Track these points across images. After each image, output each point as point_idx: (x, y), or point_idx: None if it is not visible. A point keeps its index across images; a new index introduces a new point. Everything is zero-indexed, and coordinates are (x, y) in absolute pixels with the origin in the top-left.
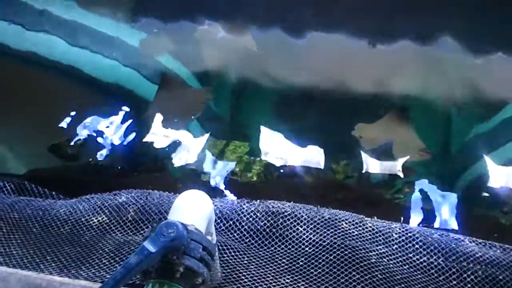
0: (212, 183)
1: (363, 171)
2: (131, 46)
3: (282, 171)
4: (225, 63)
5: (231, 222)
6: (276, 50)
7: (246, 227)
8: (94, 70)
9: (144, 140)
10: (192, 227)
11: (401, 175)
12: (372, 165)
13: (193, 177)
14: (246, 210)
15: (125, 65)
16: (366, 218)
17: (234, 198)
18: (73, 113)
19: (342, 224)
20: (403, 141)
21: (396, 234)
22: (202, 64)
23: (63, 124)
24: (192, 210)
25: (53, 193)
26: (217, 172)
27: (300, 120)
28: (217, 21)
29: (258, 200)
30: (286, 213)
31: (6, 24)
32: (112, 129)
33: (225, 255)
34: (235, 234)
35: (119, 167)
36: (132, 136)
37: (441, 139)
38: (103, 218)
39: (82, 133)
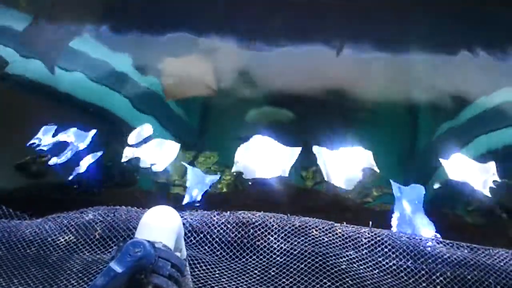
0: (182, 193)
1: (327, 177)
2: (97, 60)
3: (251, 181)
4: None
5: (201, 235)
6: (248, 60)
7: (217, 239)
8: (59, 86)
9: (112, 154)
10: (159, 244)
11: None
12: (332, 170)
13: (163, 190)
14: (217, 222)
15: (92, 79)
16: (335, 224)
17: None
18: (38, 131)
19: (313, 232)
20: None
21: (365, 238)
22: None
23: (28, 142)
24: (159, 227)
25: (18, 213)
26: (188, 182)
27: (267, 127)
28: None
29: (229, 212)
30: (256, 223)
31: None
32: (78, 145)
33: (196, 270)
34: (206, 247)
35: (75, 186)
36: (99, 151)
37: (407, 139)
38: (70, 237)
39: (48, 151)
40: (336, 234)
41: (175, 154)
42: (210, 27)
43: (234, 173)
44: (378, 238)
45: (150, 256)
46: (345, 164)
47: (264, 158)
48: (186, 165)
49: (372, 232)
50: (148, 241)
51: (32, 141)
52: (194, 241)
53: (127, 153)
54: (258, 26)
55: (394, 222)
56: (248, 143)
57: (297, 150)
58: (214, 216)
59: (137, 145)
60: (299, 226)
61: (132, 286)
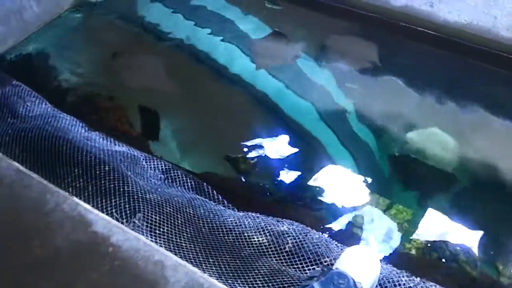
0: (367, 239)
1: None
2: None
3: (442, 253)
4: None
5: None
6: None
7: None
8: (279, 100)
9: (308, 178)
10: (359, 285)
11: None
12: None
13: (347, 229)
14: (404, 284)
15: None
16: None
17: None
18: (254, 132)
19: None
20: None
21: None
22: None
23: (243, 139)
24: (362, 268)
25: (225, 200)
26: (374, 231)
27: (473, 207)
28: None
29: (419, 278)
30: None
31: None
32: (283, 159)
33: None
34: None
35: (268, 193)
36: (298, 170)
37: None
38: (263, 240)
39: (256, 153)
40: None
41: (368, 197)
42: None
43: (426, 241)
44: None
45: None
46: None
47: (461, 233)
48: (377, 212)
49: None
50: (353, 278)
51: (250, 142)
52: None
53: (324, 182)
54: None
55: None
56: (438, 213)
57: (500, 239)
58: (403, 277)
59: (333, 177)
60: None
61: None
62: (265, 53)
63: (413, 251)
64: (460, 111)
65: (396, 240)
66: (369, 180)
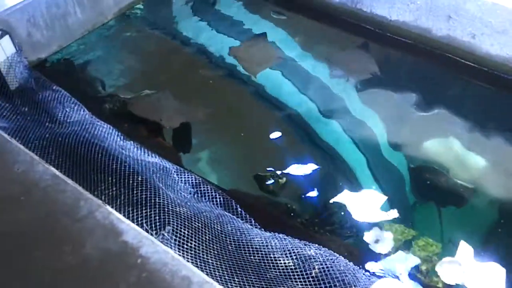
0: (394, 270)
1: None
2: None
3: None
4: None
5: None
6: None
7: None
8: (312, 121)
9: (336, 200)
10: None
11: None
12: None
13: (374, 257)
14: None
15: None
16: None
17: None
18: (284, 152)
19: None
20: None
21: None
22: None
23: (273, 159)
24: None
25: (252, 219)
26: (402, 262)
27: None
28: None
29: None
30: None
31: None
32: (312, 180)
33: None
34: None
35: (292, 214)
36: (325, 192)
37: None
38: (289, 263)
39: (285, 173)
40: None
41: (396, 227)
42: None
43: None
44: None
45: None
46: None
47: (485, 270)
48: (402, 242)
49: None
50: None
51: (279, 162)
52: None
53: (352, 208)
54: None
55: None
56: (469, 247)
57: None
58: None
59: (362, 204)
60: None
61: None
62: (250, 58)
63: (441, 285)
64: (497, 144)
65: (424, 273)
66: (398, 209)
